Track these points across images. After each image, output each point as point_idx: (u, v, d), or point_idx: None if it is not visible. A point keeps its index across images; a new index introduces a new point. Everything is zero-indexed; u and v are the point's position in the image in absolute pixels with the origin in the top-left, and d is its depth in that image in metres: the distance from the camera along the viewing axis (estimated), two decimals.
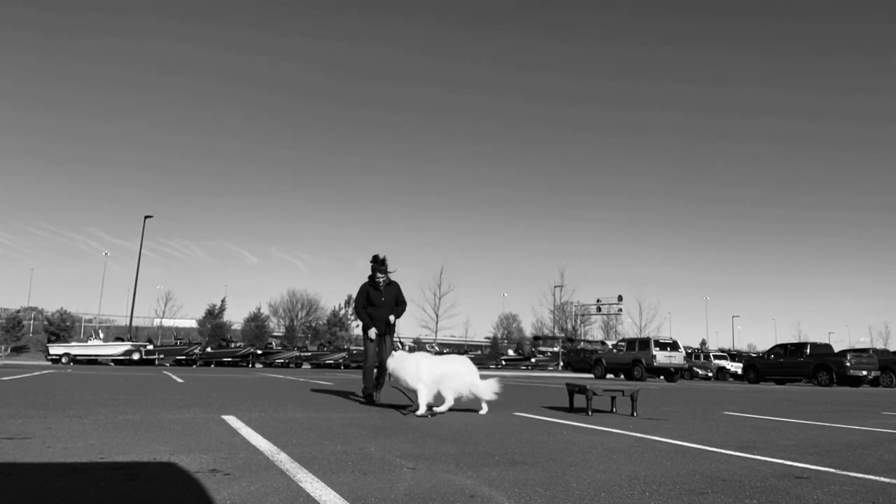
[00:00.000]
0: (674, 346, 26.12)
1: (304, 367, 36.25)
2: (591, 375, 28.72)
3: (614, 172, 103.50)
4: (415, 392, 5.92)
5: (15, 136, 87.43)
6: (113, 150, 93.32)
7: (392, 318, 7.37)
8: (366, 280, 7.46)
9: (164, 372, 18.65)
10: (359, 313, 7.46)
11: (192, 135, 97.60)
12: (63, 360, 32.89)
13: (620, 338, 37.67)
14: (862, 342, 76.53)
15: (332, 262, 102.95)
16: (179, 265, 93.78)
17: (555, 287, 55.40)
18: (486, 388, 6.08)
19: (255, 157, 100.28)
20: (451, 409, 6.10)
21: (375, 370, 7.38)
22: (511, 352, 56.92)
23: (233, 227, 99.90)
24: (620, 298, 52.65)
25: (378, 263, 7.35)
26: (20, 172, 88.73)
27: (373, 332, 7.22)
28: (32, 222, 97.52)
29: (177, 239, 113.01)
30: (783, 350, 26.38)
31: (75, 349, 33.89)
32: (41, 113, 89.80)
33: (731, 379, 33.46)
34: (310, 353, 40.81)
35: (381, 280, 7.34)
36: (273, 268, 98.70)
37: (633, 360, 26.18)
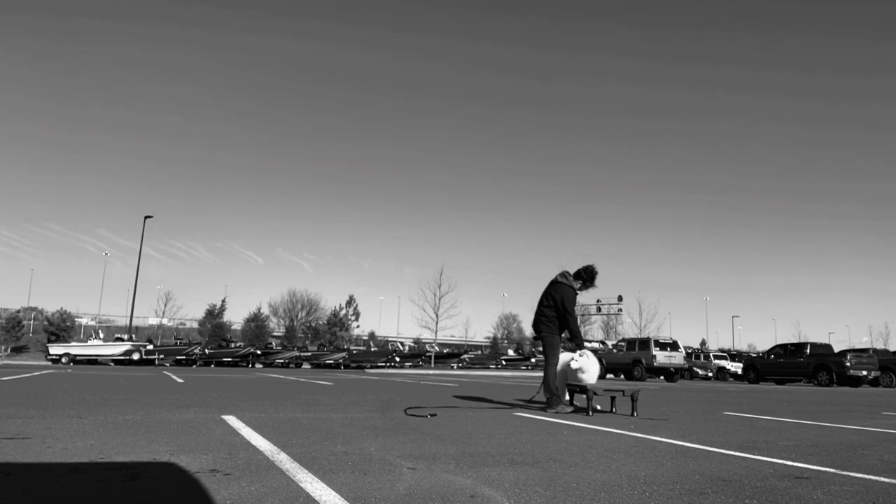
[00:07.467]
0: (674, 346, 26.12)
1: (304, 367, 36.26)
2: None
3: (615, 172, 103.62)
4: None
5: (20, 136, 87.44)
6: (119, 151, 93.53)
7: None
8: (570, 284, 7.23)
9: (164, 372, 18.65)
10: (576, 319, 7.27)
11: (200, 138, 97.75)
12: (63, 360, 32.91)
13: (620, 338, 37.66)
14: (862, 342, 76.52)
15: (336, 262, 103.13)
16: (185, 266, 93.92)
17: None
18: None
19: (259, 159, 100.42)
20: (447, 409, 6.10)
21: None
22: (511, 352, 56.88)
23: (239, 229, 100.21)
24: (620, 298, 52.54)
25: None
26: (27, 173, 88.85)
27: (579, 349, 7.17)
28: (39, 222, 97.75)
29: (184, 240, 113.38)
30: (783, 350, 26.36)
31: (75, 349, 33.89)
32: (47, 112, 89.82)
33: (731, 379, 33.45)
34: (310, 353, 40.83)
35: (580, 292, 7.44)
36: (278, 268, 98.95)
37: (633, 360, 26.19)
